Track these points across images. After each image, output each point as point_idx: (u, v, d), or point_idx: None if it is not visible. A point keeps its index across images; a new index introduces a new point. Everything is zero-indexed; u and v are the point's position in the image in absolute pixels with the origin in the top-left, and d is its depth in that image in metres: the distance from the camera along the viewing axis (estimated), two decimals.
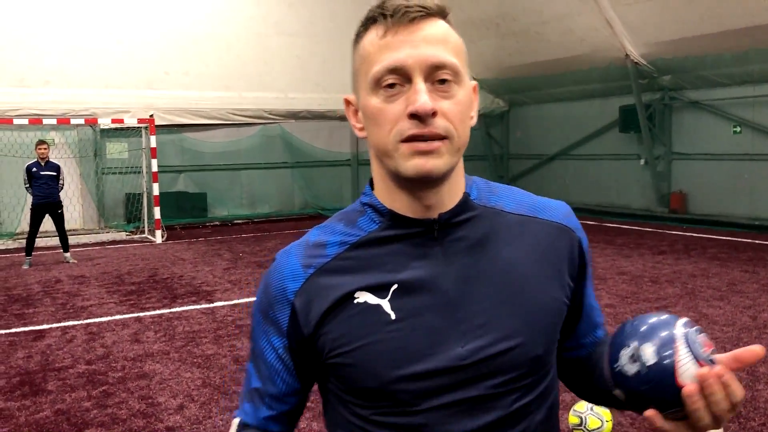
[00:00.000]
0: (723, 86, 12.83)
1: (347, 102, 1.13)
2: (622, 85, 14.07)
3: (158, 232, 12.61)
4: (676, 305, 6.84)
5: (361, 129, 1.09)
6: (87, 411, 4.40)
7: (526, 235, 1.11)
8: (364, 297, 1.05)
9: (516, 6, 14.61)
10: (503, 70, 16.39)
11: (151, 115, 12.93)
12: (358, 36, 1.07)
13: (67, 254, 10.27)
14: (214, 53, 14.54)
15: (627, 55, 13.42)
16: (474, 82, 1.08)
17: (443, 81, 0.99)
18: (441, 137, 0.98)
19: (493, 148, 18.25)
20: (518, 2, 14.48)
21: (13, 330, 6.41)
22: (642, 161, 14.47)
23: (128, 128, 13.38)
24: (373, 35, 1.02)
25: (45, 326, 6.53)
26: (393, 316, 1.04)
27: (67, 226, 10.40)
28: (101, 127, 13.33)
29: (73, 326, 6.52)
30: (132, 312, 7.04)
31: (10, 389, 4.82)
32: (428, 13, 1.00)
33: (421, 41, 0.98)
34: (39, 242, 10.64)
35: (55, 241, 10.71)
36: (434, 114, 0.97)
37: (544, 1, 13.87)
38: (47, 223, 10.10)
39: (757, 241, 10.85)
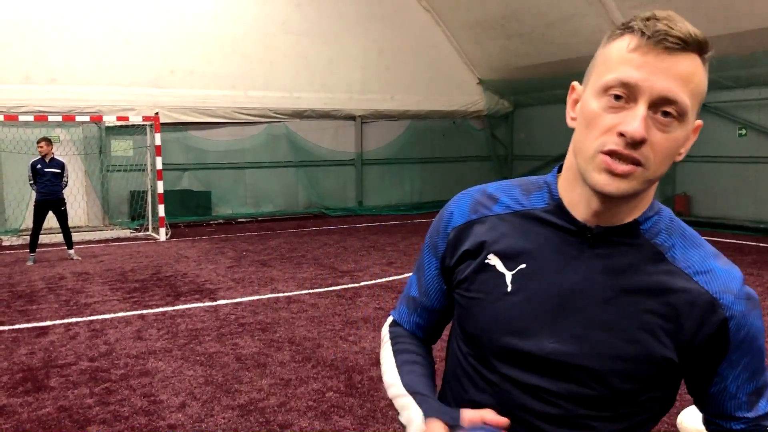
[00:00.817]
0: (728, 89, 12.80)
1: (573, 88, 1.15)
2: None
3: (162, 230, 12.62)
4: None
5: (573, 119, 1.11)
6: (89, 408, 4.40)
7: (668, 288, 1.09)
8: (494, 261, 1.17)
9: (522, 7, 14.59)
10: (509, 70, 16.37)
11: (156, 113, 12.94)
12: (611, 36, 1.06)
13: (71, 251, 10.29)
14: (219, 52, 14.56)
15: None
16: (698, 122, 1.07)
17: (666, 113, 1.00)
18: (638, 162, 1.00)
19: (497, 149, 18.23)
20: (524, 3, 14.46)
21: (17, 326, 6.43)
22: None
23: (133, 126, 13.40)
24: (623, 44, 1.02)
25: (48, 323, 6.54)
26: (509, 288, 1.14)
27: (71, 223, 10.42)
28: (106, 124, 13.36)
29: (77, 323, 6.53)
30: (135, 309, 7.05)
31: (13, 385, 4.83)
32: (685, 47, 0.99)
33: (663, 71, 0.98)
34: (43, 239, 10.67)
35: (60, 237, 10.73)
36: (642, 142, 0.99)
37: (550, 3, 13.86)
38: (52, 220, 10.11)
39: (761, 244, 10.82)
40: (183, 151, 14.59)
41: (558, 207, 1.14)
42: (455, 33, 16.96)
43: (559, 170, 1.19)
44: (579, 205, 1.11)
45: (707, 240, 1.17)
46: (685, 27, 0.99)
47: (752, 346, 1.11)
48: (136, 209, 13.84)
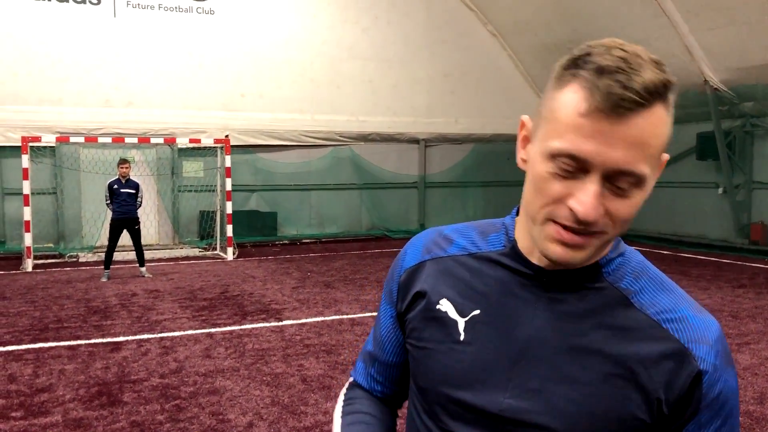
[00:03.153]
0: None
1: (522, 124, 1.02)
2: (701, 112, 13.65)
3: (230, 249, 12.92)
4: (758, 342, 6.53)
5: (524, 161, 1.00)
6: (160, 424, 4.51)
7: (636, 337, 0.98)
8: (446, 307, 1.07)
9: (590, 31, 14.40)
10: None
11: (227, 136, 13.33)
12: (560, 79, 0.92)
13: (143, 269, 10.63)
14: (288, 77, 14.92)
15: (706, 81, 13.04)
16: (665, 157, 0.95)
17: (624, 181, 0.89)
18: (593, 233, 0.91)
19: None
20: (592, 27, 14.28)
21: (93, 341, 6.66)
22: (720, 190, 13.98)
23: (205, 148, 13.82)
24: (573, 101, 0.88)
25: (122, 338, 6.76)
26: (462, 337, 1.04)
27: (143, 242, 10.77)
28: (179, 146, 13.83)
29: (148, 339, 6.72)
30: (204, 327, 7.21)
31: (89, 399, 5.00)
32: (644, 104, 0.85)
33: (619, 140, 0.85)
34: (117, 256, 11.06)
35: (132, 255, 11.11)
36: (595, 222, 0.89)
37: (620, 26, 13.64)
38: (125, 238, 10.49)
39: None
40: (251, 173, 14.95)
41: (513, 250, 1.05)
42: (521, 56, 16.88)
43: (518, 212, 1.08)
44: (534, 251, 1.02)
45: None
46: (646, 75, 0.85)
47: (725, 408, 0.97)
48: (205, 229, 14.21)
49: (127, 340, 6.68)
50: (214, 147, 13.66)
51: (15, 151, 12.30)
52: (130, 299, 8.79)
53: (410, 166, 16.64)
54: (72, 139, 12.15)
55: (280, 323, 7.41)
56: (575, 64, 0.90)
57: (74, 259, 12.57)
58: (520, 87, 17.26)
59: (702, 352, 0.96)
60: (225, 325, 7.35)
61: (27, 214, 11.51)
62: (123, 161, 10.32)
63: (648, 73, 0.86)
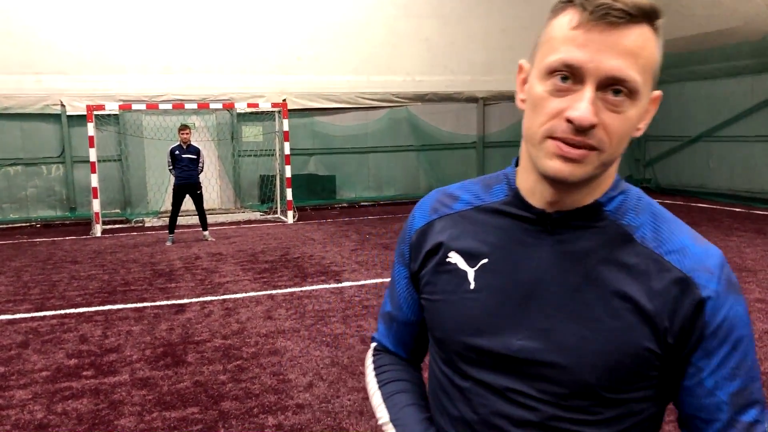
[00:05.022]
0: None
1: (521, 68, 1.07)
2: None
3: (290, 213, 13.04)
4: None
5: (523, 101, 1.04)
6: (223, 384, 4.59)
7: (640, 270, 1.00)
8: (455, 259, 1.11)
9: None
10: None
11: (284, 100, 13.35)
12: (554, 11, 0.98)
13: (206, 232, 10.84)
14: (343, 38, 14.77)
15: None
16: (657, 93, 1.00)
17: (617, 92, 0.92)
18: (591, 147, 0.93)
19: None
20: None
21: (158, 303, 6.83)
22: None
23: (263, 112, 13.89)
24: (566, 20, 0.94)
25: (186, 300, 6.90)
26: (472, 286, 1.08)
27: (205, 206, 10.96)
28: (238, 111, 13.93)
29: (211, 301, 6.85)
30: (265, 289, 7.30)
31: (155, 359, 5.13)
32: (631, 19, 0.91)
33: (609, 48, 0.91)
34: (180, 221, 11.30)
35: (195, 219, 11.34)
36: (592, 126, 0.92)
37: None
38: (188, 203, 10.68)
39: None
40: (309, 137, 14.98)
41: (515, 197, 1.08)
42: None
43: (517, 162, 1.12)
44: (535, 193, 1.05)
45: None
46: None
47: (731, 335, 0.98)
48: (266, 193, 14.37)
49: (190, 302, 6.83)
50: (272, 111, 13.71)
51: (81, 120, 12.63)
52: (194, 262, 8.98)
53: (469, 126, 16.36)
54: (134, 107, 12.39)
55: (340, 285, 7.43)
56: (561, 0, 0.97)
57: (140, 224, 12.93)
58: None
59: (703, 279, 0.98)
60: (285, 286, 7.42)
61: (94, 180, 11.85)
62: (183, 127, 10.45)
63: None
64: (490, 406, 1.06)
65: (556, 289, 1.02)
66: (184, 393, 4.45)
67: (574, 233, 1.03)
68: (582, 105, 0.90)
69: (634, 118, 0.95)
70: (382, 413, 1.23)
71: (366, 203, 15.45)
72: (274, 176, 14.03)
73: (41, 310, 6.60)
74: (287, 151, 13.12)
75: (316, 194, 14.90)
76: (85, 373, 4.86)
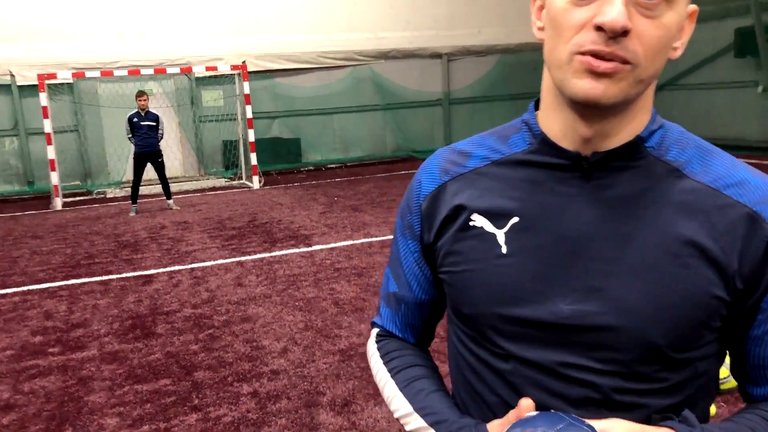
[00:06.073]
0: None
1: None
2: (739, 6, 12.93)
3: (255, 178, 12.83)
4: None
5: (541, 29, 0.91)
6: (195, 354, 4.49)
7: (697, 208, 0.88)
8: (480, 221, 0.97)
9: None
10: None
11: (243, 62, 13.00)
12: None
13: (170, 201, 10.61)
14: None
15: None
16: (693, 7, 0.87)
17: None
18: (624, 61, 0.80)
19: None
20: None
21: (124, 275, 6.66)
22: (760, 89, 13.38)
23: (222, 76, 13.56)
24: None
25: (153, 271, 6.75)
26: (504, 250, 0.94)
27: (168, 174, 10.73)
28: (196, 75, 13.57)
29: (179, 271, 6.71)
30: (234, 256, 7.18)
31: (124, 332, 5.00)
32: None
33: None
34: (143, 190, 11.04)
35: (159, 188, 11.08)
36: (625, 33, 0.78)
37: None
38: (151, 172, 10.43)
39: None
40: (271, 99, 14.69)
41: (543, 143, 0.94)
42: None
43: (537, 106, 0.98)
44: (566, 133, 0.91)
45: None
46: None
47: None
48: (230, 158, 14.12)
49: (158, 273, 6.67)
50: (232, 74, 13.38)
51: (33, 90, 12.17)
52: (159, 232, 8.78)
53: (434, 83, 16.19)
54: (88, 74, 11.93)
55: (310, 248, 7.33)
56: None
57: (102, 196, 12.61)
58: None
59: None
60: (255, 252, 7.30)
61: (51, 152, 11.46)
62: (140, 93, 10.14)
63: None
64: (539, 386, 0.92)
65: (604, 240, 0.89)
66: (156, 365, 4.34)
67: (615, 176, 0.90)
68: (612, 8, 0.77)
69: (672, 25, 0.82)
70: (400, 404, 1.05)
71: (333, 165, 15.28)
72: (237, 141, 13.76)
73: (2, 288, 6.40)
74: (249, 115, 12.84)
75: (281, 158, 14.68)
76: (51, 350, 4.71)
